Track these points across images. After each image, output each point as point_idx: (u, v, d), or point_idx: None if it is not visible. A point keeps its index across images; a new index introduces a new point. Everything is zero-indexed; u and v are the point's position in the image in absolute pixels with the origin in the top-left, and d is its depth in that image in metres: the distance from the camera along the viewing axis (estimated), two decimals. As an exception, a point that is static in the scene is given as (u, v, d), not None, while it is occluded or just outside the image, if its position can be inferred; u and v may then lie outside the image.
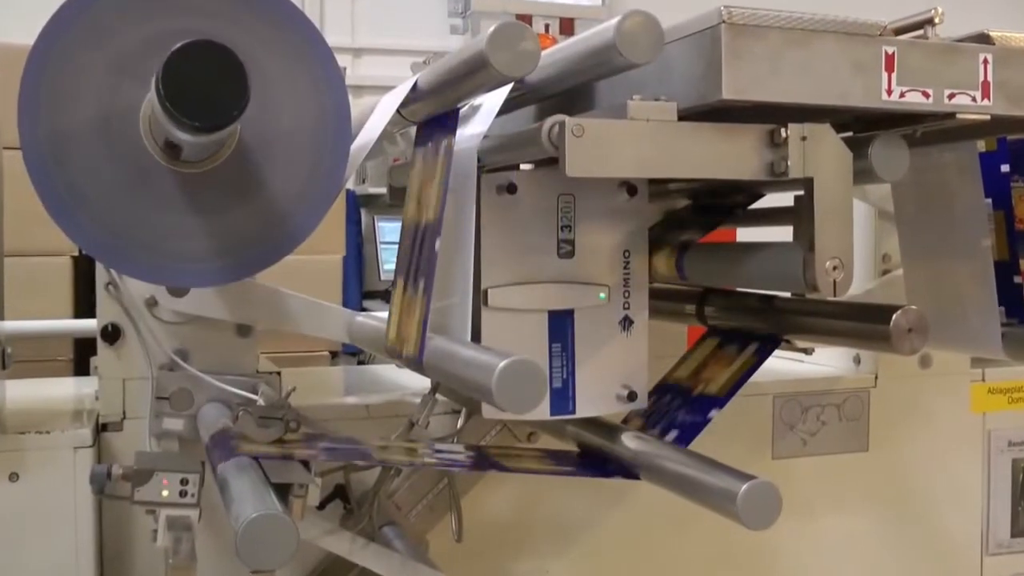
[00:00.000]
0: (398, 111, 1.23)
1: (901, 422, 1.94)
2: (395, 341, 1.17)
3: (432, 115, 1.21)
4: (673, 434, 1.29)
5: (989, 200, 1.31)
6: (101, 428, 1.54)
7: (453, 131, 1.16)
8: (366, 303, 4.85)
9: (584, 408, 1.29)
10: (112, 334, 1.54)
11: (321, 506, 1.50)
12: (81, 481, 1.40)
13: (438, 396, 1.46)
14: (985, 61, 1.11)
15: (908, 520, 1.95)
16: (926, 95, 1.10)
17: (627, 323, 1.29)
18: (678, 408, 1.34)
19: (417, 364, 1.10)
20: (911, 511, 1.95)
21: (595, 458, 1.33)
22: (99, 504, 1.49)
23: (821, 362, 1.96)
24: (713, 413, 1.29)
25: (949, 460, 1.97)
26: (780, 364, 1.95)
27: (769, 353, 1.32)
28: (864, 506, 1.92)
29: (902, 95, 1.09)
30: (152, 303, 1.52)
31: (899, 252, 1.49)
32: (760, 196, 1.44)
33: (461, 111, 1.18)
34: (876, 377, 1.92)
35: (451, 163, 1.11)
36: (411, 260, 1.16)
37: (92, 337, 1.59)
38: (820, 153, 1.08)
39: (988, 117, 1.12)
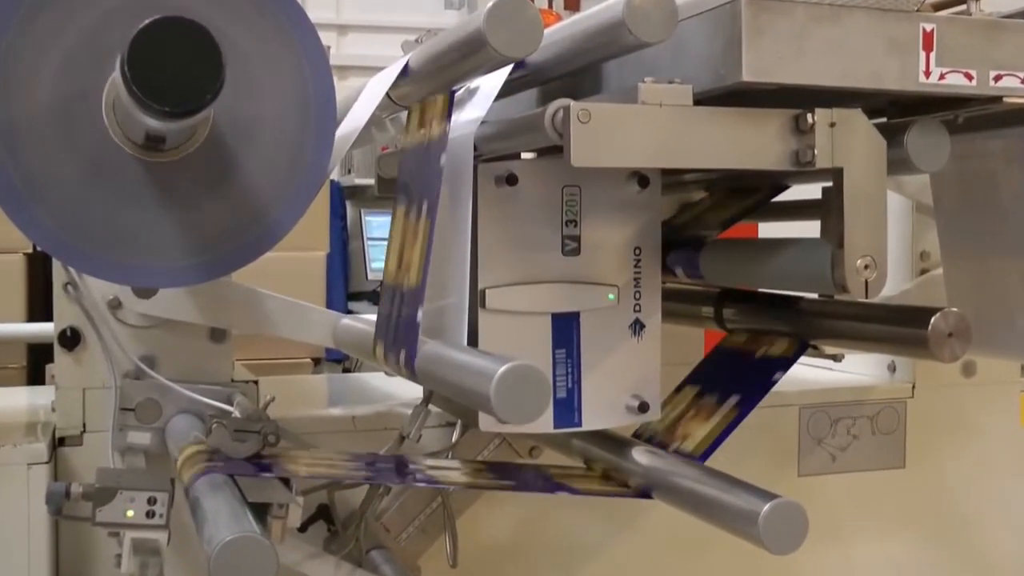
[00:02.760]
0: (387, 95, 1.24)
1: (941, 436, 1.94)
2: (395, 273, 1.18)
3: (424, 99, 1.22)
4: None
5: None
6: (58, 442, 1.54)
7: (448, 116, 1.16)
8: (352, 305, 4.86)
9: (591, 420, 1.29)
10: (71, 339, 1.55)
11: (303, 528, 1.50)
12: (36, 500, 1.41)
13: (431, 407, 1.47)
14: (1034, 39, 1.12)
15: (949, 544, 1.96)
16: (969, 77, 1.11)
17: (638, 327, 1.30)
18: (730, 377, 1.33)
19: (416, 301, 1.10)
20: (953, 534, 1.96)
21: (603, 475, 1.33)
22: (56, 526, 1.50)
23: (852, 370, 1.97)
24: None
25: (996, 478, 1.98)
26: (807, 372, 1.96)
27: (755, 404, 1.31)
28: (900, 529, 1.93)
29: (942, 77, 1.10)
30: (116, 305, 1.53)
31: (939, 249, 1.50)
32: (784, 188, 1.45)
33: (456, 94, 1.19)
34: (913, 387, 1.93)
35: (438, 205, 1.12)
36: (413, 182, 1.16)
37: (48, 342, 1.60)
38: (850, 141, 1.08)
39: (1038, 101, 1.13)
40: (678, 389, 1.41)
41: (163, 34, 0.93)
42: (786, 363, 1.35)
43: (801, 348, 1.36)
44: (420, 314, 1.10)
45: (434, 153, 1.13)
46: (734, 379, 1.36)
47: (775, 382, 1.33)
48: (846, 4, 1.06)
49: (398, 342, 1.15)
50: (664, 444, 1.32)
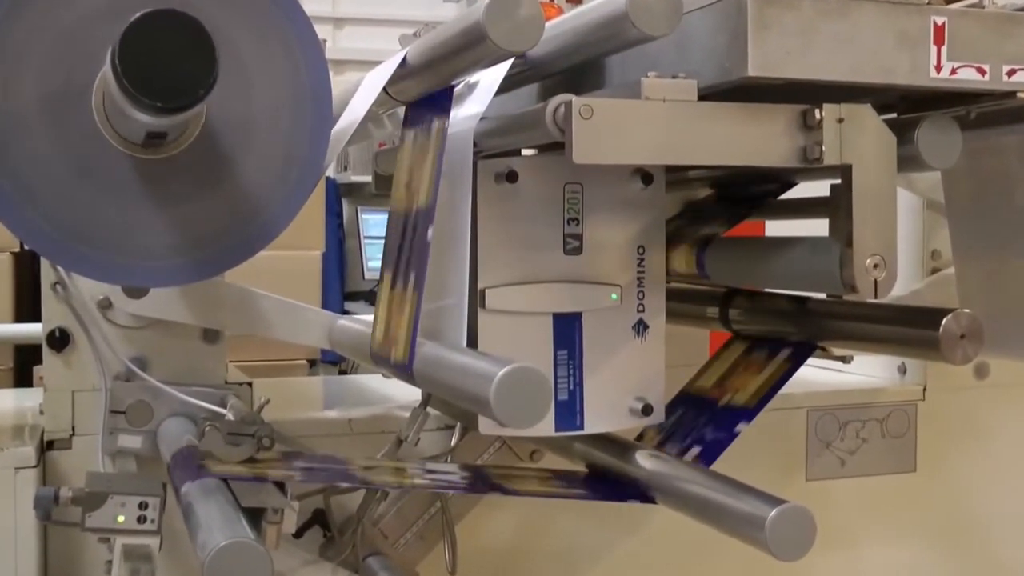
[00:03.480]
0: (384, 90, 1.24)
1: (953, 439, 1.95)
2: (382, 344, 1.18)
3: (423, 94, 1.22)
4: (694, 451, 1.30)
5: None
6: (46, 446, 1.55)
7: (447, 112, 1.16)
8: (348, 305, 4.87)
9: (593, 423, 1.30)
10: (60, 340, 1.55)
11: (298, 534, 1.51)
12: (23, 506, 1.41)
13: (429, 409, 1.47)
14: (1050, 33, 1.12)
15: (962, 551, 1.96)
16: (981, 71, 1.11)
17: (641, 327, 1.30)
18: (700, 422, 1.34)
19: (407, 372, 1.11)
20: (965, 540, 1.96)
21: (606, 479, 1.34)
22: (44, 532, 1.50)
23: (861, 372, 1.97)
24: (741, 427, 1.30)
25: (1009, 482, 1.98)
26: (815, 374, 1.96)
27: (803, 360, 1.33)
28: (911, 535, 1.93)
29: (953, 71, 1.10)
30: (106, 305, 1.53)
31: (950, 248, 1.50)
32: (791, 185, 1.45)
33: (455, 89, 1.19)
34: (924, 389, 1.93)
35: (444, 147, 1.12)
36: (400, 251, 1.17)
37: (36, 343, 1.60)
38: (859, 137, 1.08)
39: (1053, 96, 1.13)
40: (726, 345, 1.42)
41: (155, 27, 0.93)
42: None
43: (809, 350, 1.37)
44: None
45: (422, 222, 1.13)
46: (780, 340, 1.37)
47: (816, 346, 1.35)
48: (854, -4, 1.06)
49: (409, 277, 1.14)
50: (714, 399, 1.32)
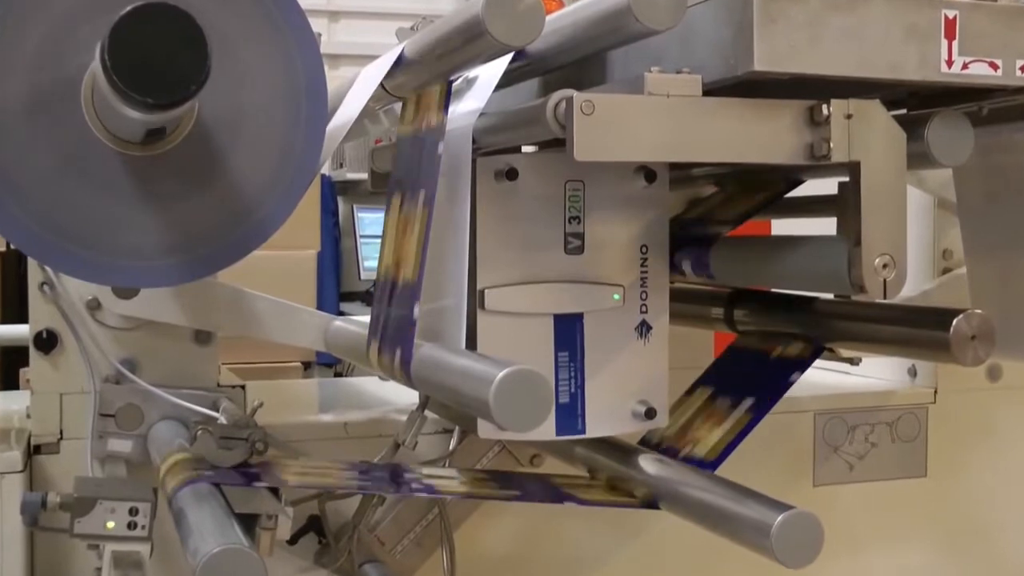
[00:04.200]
0: (381, 85, 1.24)
1: (965, 443, 1.95)
2: (391, 267, 1.18)
3: (420, 89, 1.22)
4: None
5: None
6: (33, 450, 1.55)
7: (445, 108, 1.17)
8: (344, 306, 4.87)
9: (595, 427, 1.30)
10: (47, 342, 1.55)
11: (292, 540, 1.51)
12: (10, 511, 1.41)
13: (427, 413, 1.47)
14: (1064, 26, 1.12)
15: (973, 557, 1.96)
16: (994, 66, 1.11)
17: (645, 329, 1.30)
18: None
19: (414, 297, 1.11)
20: (977, 547, 1.96)
21: (608, 485, 1.34)
22: (31, 538, 1.50)
23: (870, 374, 1.97)
24: None
25: (1021, 487, 1.98)
26: (823, 376, 1.96)
27: (769, 407, 1.31)
28: (921, 541, 1.93)
29: (965, 66, 1.10)
30: (95, 306, 1.53)
31: (962, 247, 1.50)
32: (798, 183, 1.45)
33: (454, 85, 1.19)
34: (935, 391, 1.93)
35: (435, 199, 1.12)
36: (409, 171, 1.16)
37: (23, 345, 1.60)
38: (868, 133, 1.09)
39: (1067, 92, 1.13)
40: (689, 391, 1.41)
41: (146, 21, 0.93)
42: (803, 364, 1.35)
43: (817, 351, 1.37)
44: (417, 310, 1.11)
45: (431, 141, 1.13)
46: (748, 380, 1.36)
47: (791, 384, 1.34)
48: (863, -11, 1.06)
49: (393, 341, 1.15)
50: (673, 450, 1.33)
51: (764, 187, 1.46)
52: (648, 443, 1.37)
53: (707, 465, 1.28)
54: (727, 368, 1.44)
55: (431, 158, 1.12)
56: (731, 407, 1.34)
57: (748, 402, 1.33)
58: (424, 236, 1.12)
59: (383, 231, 1.23)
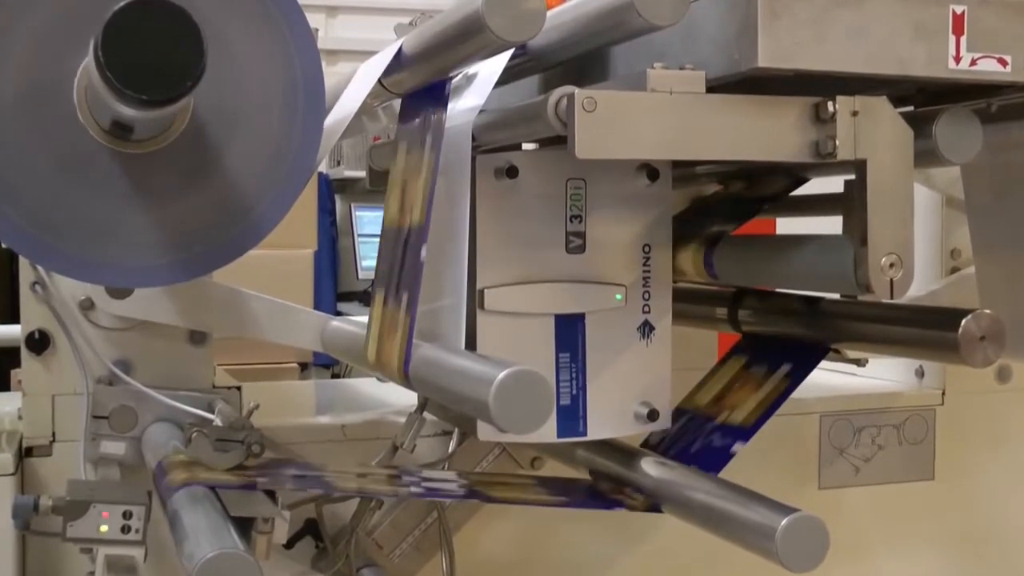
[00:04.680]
0: (379, 81, 1.24)
1: (974, 446, 1.95)
2: (375, 364, 1.19)
3: (419, 86, 1.22)
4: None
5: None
6: (25, 453, 1.55)
7: (444, 105, 1.17)
8: (341, 306, 4.86)
9: (597, 429, 1.30)
10: (39, 342, 1.55)
11: (289, 544, 1.51)
12: (1, 515, 1.41)
13: (426, 415, 1.47)
14: (1074, 22, 1.12)
15: (982, 562, 1.96)
16: (1003, 63, 1.11)
17: (647, 329, 1.30)
18: (695, 441, 1.34)
19: (402, 380, 1.12)
20: (986, 551, 1.96)
21: (610, 487, 1.34)
22: (23, 542, 1.50)
23: (877, 375, 1.97)
24: (737, 447, 1.30)
25: (1030, 491, 1.98)
26: (829, 378, 1.96)
27: (806, 373, 1.32)
28: (929, 546, 1.93)
29: (973, 62, 1.10)
30: (88, 306, 1.53)
31: (970, 246, 1.50)
32: (803, 181, 1.45)
33: (453, 81, 1.19)
34: (943, 393, 1.93)
35: (441, 146, 1.12)
36: (392, 269, 1.17)
37: (15, 346, 1.60)
38: (874, 131, 1.09)
39: (1078, 88, 1.13)
40: (721, 362, 1.42)
41: (140, 16, 0.93)
42: None
43: (822, 352, 1.37)
44: (424, 252, 1.10)
45: (415, 241, 1.13)
46: (784, 348, 1.37)
47: (828, 350, 1.34)
48: (870, -16, 1.07)
49: (400, 288, 1.14)
50: (708, 418, 1.33)
51: (768, 185, 1.47)
52: (680, 411, 1.37)
53: (743, 432, 1.28)
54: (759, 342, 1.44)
55: (414, 263, 1.12)
56: (767, 373, 1.34)
57: (786, 368, 1.33)
58: (431, 181, 1.11)
59: (368, 322, 1.22)
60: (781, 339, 1.42)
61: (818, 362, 1.37)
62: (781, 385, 1.32)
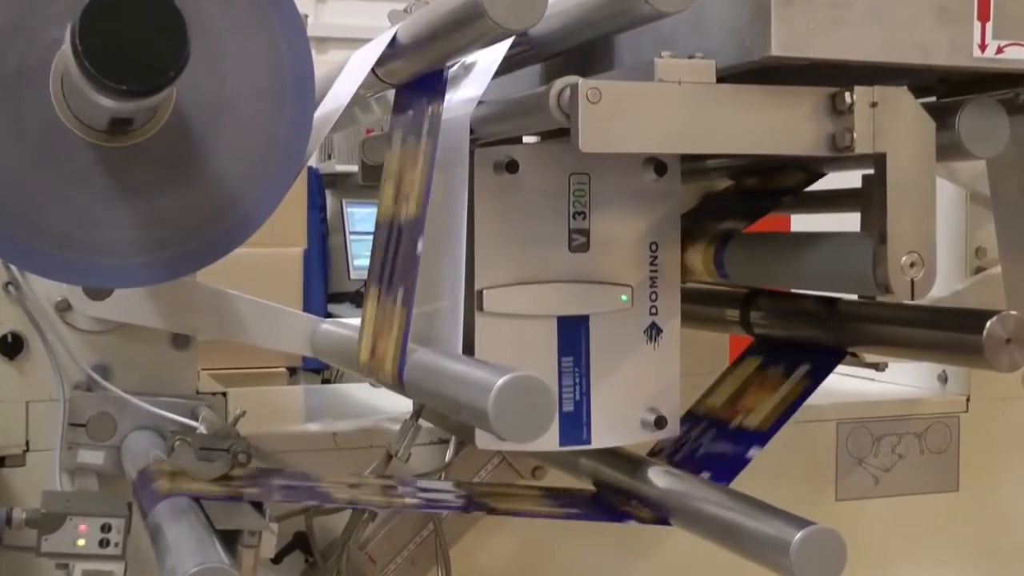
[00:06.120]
0: (372, 71, 1.25)
1: (1000, 455, 1.95)
2: (368, 363, 1.19)
3: (415, 76, 1.22)
4: (703, 476, 1.31)
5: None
6: (-3, 463, 1.55)
7: (441, 96, 1.17)
8: (332, 307, 4.87)
9: (602, 437, 1.30)
10: (13, 346, 1.55)
11: (277, 559, 1.51)
12: (-27, 527, 1.41)
13: (422, 422, 1.48)
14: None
15: (1008, 578, 1.96)
16: (1030, 50, 1.11)
17: (654, 332, 1.31)
18: (709, 445, 1.35)
19: (396, 383, 1.12)
20: (1012, 566, 1.96)
21: (615, 499, 1.34)
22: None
23: (897, 381, 1.97)
24: (753, 452, 1.31)
25: (1060, 503, 1.98)
26: (846, 383, 1.96)
27: (825, 376, 1.33)
28: (952, 561, 1.93)
29: (999, 50, 1.10)
30: (64, 307, 1.53)
31: (996, 245, 1.50)
32: (819, 176, 1.46)
33: (450, 71, 1.20)
34: (968, 399, 1.93)
35: (438, 138, 1.12)
36: (386, 263, 1.17)
37: (-12, 350, 1.60)
38: (894, 123, 1.09)
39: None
40: (735, 363, 1.42)
41: (120, 2, 0.93)
42: None
43: (836, 359, 1.37)
44: (420, 244, 1.11)
45: (410, 232, 1.13)
46: (801, 348, 1.37)
47: (845, 353, 1.35)
48: (889, -33, 1.07)
49: (395, 281, 1.14)
50: (722, 422, 1.33)
51: (782, 180, 1.47)
52: (693, 414, 1.38)
53: (760, 436, 1.28)
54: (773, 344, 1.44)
55: (411, 253, 1.12)
56: (784, 375, 1.34)
57: (803, 368, 1.33)
58: (428, 170, 1.11)
59: (361, 321, 1.23)
60: (796, 342, 1.42)
61: (835, 366, 1.37)
62: (799, 386, 1.32)
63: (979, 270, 1.93)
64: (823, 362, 1.35)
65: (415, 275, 1.11)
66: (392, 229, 1.18)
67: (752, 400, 1.35)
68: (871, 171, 1.12)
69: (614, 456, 1.35)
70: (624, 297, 1.29)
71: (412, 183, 1.15)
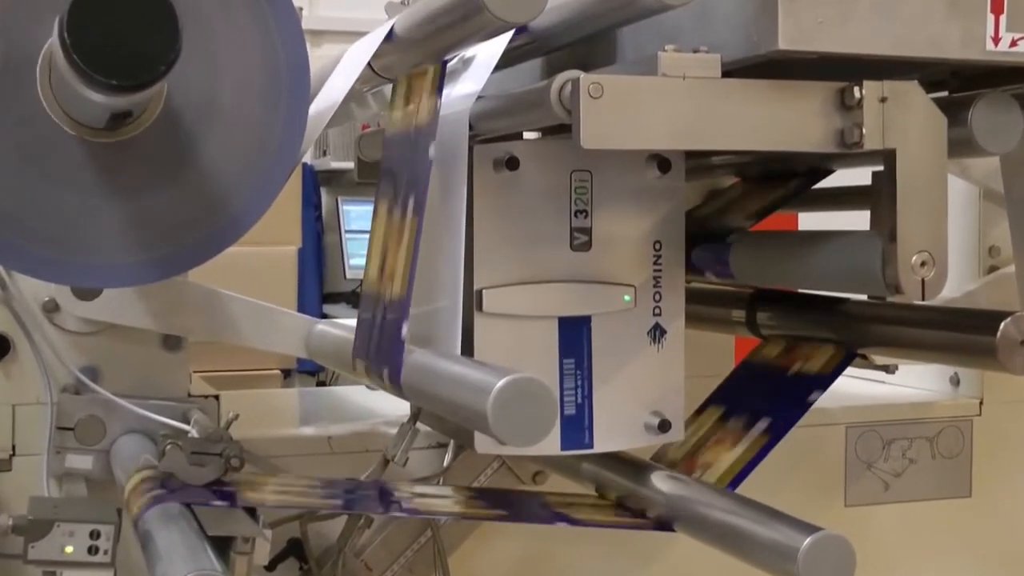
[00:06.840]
0: (369, 65, 1.25)
1: (1014, 460, 1.95)
2: (376, 281, 1.18)
3: (412, 70, 1.22)
4: None
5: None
6: (-17, 467, 1.55)
7: (439, 91, 1.17)
8: (327, 308, 4.87)
9: (604, 441, 1.30)
10: None
11: (271, 566, 1.51)
12: (-43, 535, 1.42)
13: (419, 425, 1.48)
14: None
15: (1021, 586, 1.96)
16: (1046, 43, 1.11)
17: (658, 333, 1.31)
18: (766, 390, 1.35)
19: (400, 312, 1.11)
20: (1025, 574, 1.97)
21: (618, 504, 1.34)
22: (-18, 564, 1.51)
23: (908, 383, 1.97)
24: (815, 395, 1.32)
25: (1076, 509, 1.98)
26: (855, 386, 1.96)
27: (787, 428, 1.31)
28: (965, 568, 1.93)
29: (1013, 43, 1.10)
30: (52, 308, 1.54)
31: (1011, 244, 1.50)
32: (827, 173, 1.46)
33: (449, 65, 1.20)
34: (981, 403, 1.93)
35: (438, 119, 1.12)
36: (397, 173, 1.17)
37: (-28, 352, 1.60)
38: (905, 118, 1.09)
39: None
40: (699, 411, 1.42)
41: (110, -6, 0.93)
42: (825, 381, 1.35)
43: (847, 359, 1.37)
44: (405, 330, 1.11)
45: (423, 139, 1.13)
46: (764, 399, 1.37)
47: (811, 403, 1.34)
48: (899, -42, 1.07)
49: (380, 360, 1.15)
50: (782, 368, 1.33)
51: (790, 177, 1.47)
52: (662, 459, 1.38)
53: (820, 380, 1.30)
54: (740, 385, 1.44)
55: (422, 158, 1.13)
56: (744, 428, 1.34)
57: (763, 423, 1.33)
58: (413, 249, 1.12)
59: (370, 236, 1.23)
60: (761, 387, 1.42)
61: (796, 421, 1.36)
62: (759, 442, 1.30)
63: (992, 269, 1.93)
64: (784, 416, 1.34)
65: (427, 181, 1.11)
66: (404, 139, 1.18)
67: (711, 455, 1.34)
68: (881, 168, 1.12)
69: (616, 460, 1.35)
70: (627, 297, 1.29)
71: (422, 91, 1.15)
